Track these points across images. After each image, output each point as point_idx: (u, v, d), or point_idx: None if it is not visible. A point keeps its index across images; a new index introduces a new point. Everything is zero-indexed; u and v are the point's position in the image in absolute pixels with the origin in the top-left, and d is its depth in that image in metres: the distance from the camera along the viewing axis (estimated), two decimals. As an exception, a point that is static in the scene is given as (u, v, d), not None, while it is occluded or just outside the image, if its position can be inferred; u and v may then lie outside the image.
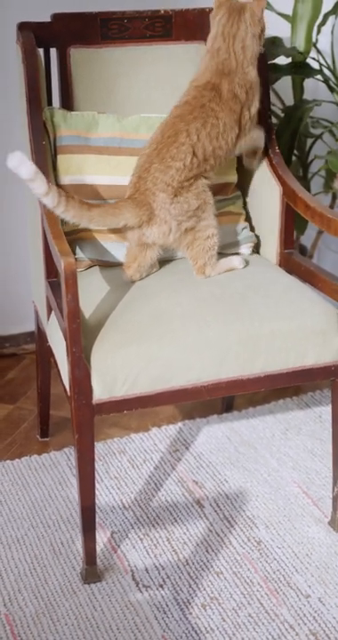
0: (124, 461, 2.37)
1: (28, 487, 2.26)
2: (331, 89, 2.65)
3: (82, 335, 1.82)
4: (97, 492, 2.24)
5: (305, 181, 2.72)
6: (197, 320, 1.91)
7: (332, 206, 2.77)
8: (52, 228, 1.88)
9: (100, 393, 1.82)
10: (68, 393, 1.85)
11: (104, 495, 2.23)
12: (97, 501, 2.20)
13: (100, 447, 2.42)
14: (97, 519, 2.14)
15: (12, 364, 2.90)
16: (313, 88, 2.96)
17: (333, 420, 2.08)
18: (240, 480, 2.30)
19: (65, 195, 1.86)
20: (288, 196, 2.17)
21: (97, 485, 2.27)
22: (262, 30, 2.05)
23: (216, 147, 2.02)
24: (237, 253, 2.24)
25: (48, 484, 2.27)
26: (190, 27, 2.26)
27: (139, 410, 2.56)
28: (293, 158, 2.75)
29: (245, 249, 2.26)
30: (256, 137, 2.16)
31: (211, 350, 1.89)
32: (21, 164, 1.78)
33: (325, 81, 2.63)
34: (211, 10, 2.11)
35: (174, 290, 2.00)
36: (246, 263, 2.16)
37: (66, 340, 1.80)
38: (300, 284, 2.10)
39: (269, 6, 2.63)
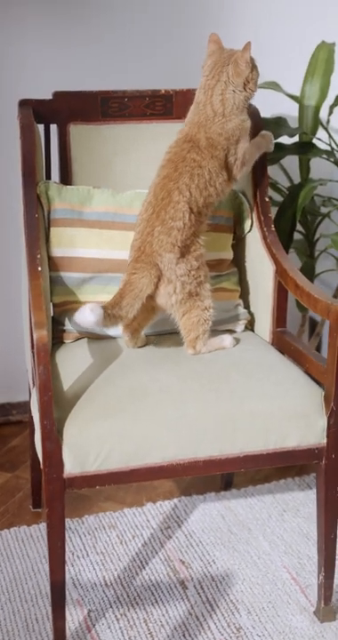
0: (113, 536, 2.33)
1: (11, 559, 2.23)
2: (341, 169, 2.66)
3: (55, 408, 1.82)
4: (80, 568, 2.20)
5: (312, 259, 2.70)
6: (174, 397, 1.89)
7: (340, 285, 2.75)
8: (34, 300, 1.88)
9: (72, 467, 1.81)
10: (41, 465, 1.84)
11: (87, 571, 2.20)
12: (79, 577, 2.17)
13: (91, 521, 2.39)
14: (76, 596, 2.10)
15: (17, 432, 2.90)
16: (328, 169, 2.97)
17: (318, 505, 2.02)
18: (228, 562, 2.24)
19: (110, 314, 1.91)
20: (280, 274, 2.15)
21: (82, 560, 2.23)
22: (250, 79, 2.04)
23: (206, 196, 2.03)
24: (231, 330, 2.22)
25: (32, 557, 2.24)
26: (191, 106, 2.29)
27: (137, 484, 2.54)
28: (300, 237, 2.74)
29: (239, 326, 2.24)
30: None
31: (187, 428, 1.87)
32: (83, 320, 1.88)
33: (336, 162, 2.63)
34: None
35: (155, 366, 1.99)
36: (237, 342, 2.14)
37: (38, 411, 1.80)
38: (287, 364, 2.06)
39: (277, 87, 2.67)
